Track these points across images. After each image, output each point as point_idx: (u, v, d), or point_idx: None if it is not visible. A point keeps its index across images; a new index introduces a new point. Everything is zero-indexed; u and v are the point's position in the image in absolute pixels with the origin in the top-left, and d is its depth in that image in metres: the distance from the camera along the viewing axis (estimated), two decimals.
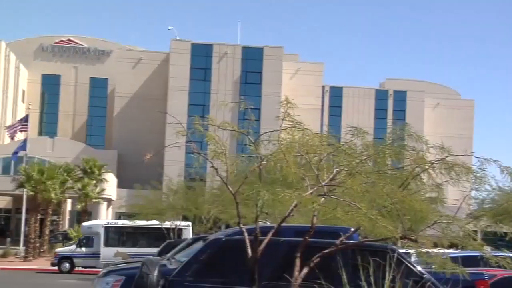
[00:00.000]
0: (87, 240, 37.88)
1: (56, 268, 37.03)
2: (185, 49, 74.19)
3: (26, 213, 49.87)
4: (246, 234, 9.83)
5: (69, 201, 61.17)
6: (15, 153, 55.21)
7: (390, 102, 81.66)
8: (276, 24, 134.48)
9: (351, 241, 10.46)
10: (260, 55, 75.02)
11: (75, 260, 36.99)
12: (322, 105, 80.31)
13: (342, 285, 8.59)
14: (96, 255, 37.11)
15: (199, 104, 70.05)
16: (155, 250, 37.31)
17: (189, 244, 15.08)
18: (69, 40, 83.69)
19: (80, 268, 37.20)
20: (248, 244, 9.76)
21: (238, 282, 10.01)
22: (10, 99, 78.12)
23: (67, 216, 65.73)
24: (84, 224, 40.56)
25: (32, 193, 48.83)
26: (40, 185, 48.09)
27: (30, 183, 48.48)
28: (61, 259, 36.98)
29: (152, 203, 42.14)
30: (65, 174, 51.77)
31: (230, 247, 10.49)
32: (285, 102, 10.17)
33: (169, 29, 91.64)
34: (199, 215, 37.84)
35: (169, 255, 14.60)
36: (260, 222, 10.31)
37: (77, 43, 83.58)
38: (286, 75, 76.39)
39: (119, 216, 68.82)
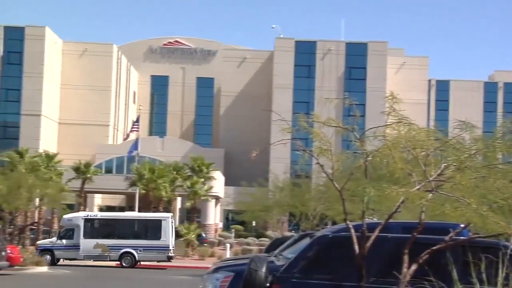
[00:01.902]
0: (67, 232, 38.02)
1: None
2: (289, 47, 74.45)
3: (139, 211, 51.48)
4: (352, 230, 9.80)
5: (179, 199, 62.71)
6: (130, 153, 57.15)
7: (500, 95, 78.94)
8: (380, 18, 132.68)
9: (461, 238, 10.24)
10: (364, 50, 74.27)
11: (56, 252, 37.14)
12: (428, 100, 78.68)
13: (452, 282, 8.44)
14: (76, 247, 37.34)
15: (303, 101, 70.13)
16: (134, 241, 37.50)
17: (296, 241, 15.16)
18: (176, 41, 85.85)
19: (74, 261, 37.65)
20: (355, 240, 9.73)
21: (345, 279, 9.99)
22: (122, 101, 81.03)
23: (178, 214, 67.47)
24: (65, 216, 40.74)
25: (144, 191, 50.33)
26: (151, 183, 49.53)
27: (142, 181, 50.02)
28: (42, 251, 37.13)
29: (258, 200, 42.54)
30: (175, 172, 53.12)
31: (337, 243, 10.48)
32: (390, 97, 10.06)
33: (272, 28, 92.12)
34: (305, 212, 37.86)
35: (276, 251, 14.72)
36: (367, 219, 10.26)
37: (184, 44, 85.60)
38: (391, 70, 75.29)
39: (227, 213, 70.08)
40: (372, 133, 10.20)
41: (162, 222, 38.34)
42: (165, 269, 37.07)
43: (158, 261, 38.00)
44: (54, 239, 38.89)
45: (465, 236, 10.63)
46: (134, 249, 37.36)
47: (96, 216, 40.03)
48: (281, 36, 77.43)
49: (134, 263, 37.62)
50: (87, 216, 39.14)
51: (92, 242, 37.50)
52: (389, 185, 9.31)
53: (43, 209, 51.28)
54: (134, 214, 42.05)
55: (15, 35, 71.16)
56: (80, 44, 76.91)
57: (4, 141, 68.88)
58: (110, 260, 37.52)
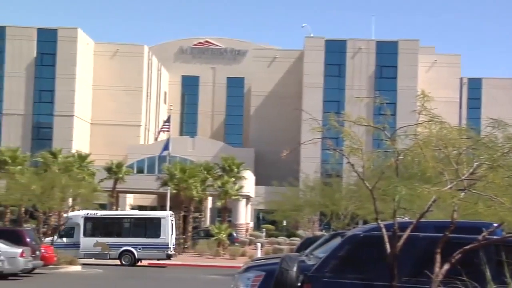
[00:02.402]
0: (68, 231, 38.06)
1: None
2: (319, 46, 74.28)
3: (170, 210, 51.69)
4: (384, 229, 9.76)
5: (209, 198, 62.85)
6: (162, 153, 57.45)
7: None
8: (410, 16, 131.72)
9: (494, 237, 10.14)
10: (395, 49, 73.81)
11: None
12: (460, 98, 77.88)
13: (485, 282, 8.37)
14: (76, 245, 37.45)
15: (333, 100, 69.90)
16: (133, 240, 37.50)
17: (327, 240, 15.15)
18: (206, 41, 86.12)
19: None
20: (386, 240, 9.69)
21: (377, 278, 9.95)
22: (153, 101, 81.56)
23: (208, 213, 67.67)
24: (65, 215, 40.90)
25: (175, 191, 50.51)
26: (183, 183, 49.66)
27: (173, 181, 50.16)
28: None
29: (289, 199, 42.46)
30: (206, 172, 53.20)
31: (368, 243, 10.45)
32: (421, 95, 10.01)
33: (302, 27, 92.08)
34: (336, 211, 37.73)
35: (307, 251, 14.72)
36: (398, 218, 10.21)
37: (214, 44, 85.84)
38: (422, 68, 74.71)
39: (258, 212, 70.12)
40: (403, 131, 10.16)
41: (162, 220, 38.63)
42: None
43: (158, 259, 38.21)
44: (54, 237, 39.01)
45: (498, 235, 10.52)
46: (133, 247, 37.59)
47: (96, 214, 40.09)
48: (311, 35, 77.29)
49: (134, 261, 37.79)
50: (87, 214, 39.28)
51: (92, 240, 37.75)
52: (420, 184, 9.26)
53: (76, 209, 51.76)
54: (134, 213, 42.21)
55: (48, 36, 72.01)
56: (111, 45, 77.57)
57: (38, 141, 69.79)
58: (110, 259, 37.66)
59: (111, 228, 39.21)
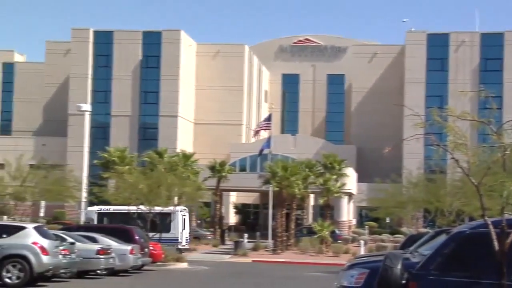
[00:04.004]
0: None
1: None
2: (420, 40, 72.98)
3: (273, 208, 52.04)
4: (491, 226, 9.57)
5: (311, 196, 62.93)
6: (261, 151, 58.03)
7: None
8: None
9: None
10: (501, 41, 71.53)
11: None
12: None
13: None
14: None
15: (436, 95, 68.52)
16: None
17: (432, 237, 14.93)
18: (306, 39, 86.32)
19: None
20: (494, 237, 9.49)
21: (484, 276, 9.77)
22: (254, 100, 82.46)
23: (311, 211, 67.78)
24: (79, 210, 41.43)
25: (277, 189, 50.89)
26: (285, 181, 49.93)
27: (275, 179, 50.52)
28: None
29: (392, 196, 41.98)
30: (307, 170, 53.29)
31: (474, 240, 10.26)
32: None
33: (403, 21, 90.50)
34: (440, 208, 37.00)
35: (412, 248, 14.56)
36: (506, 214, 9.98)
37: (314, 41, 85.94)
38: None
39: (360, 210, 69.64)
40: (510, 125, 9.92)
41: (172, 215, 39.17)
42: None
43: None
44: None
45: None
46: None
47: (109, 210, 40.59)
48: (412, 29, 76.00)
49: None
50: (101, 210, 39.99)
51: None
52: None
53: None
54: (145, 208, 42.79)
55: (152, 39, 74.12)
56: (213, 46, 79.01)
57: (144, 141, 71.98)
58: None
59: (124, 223, 39.91)
